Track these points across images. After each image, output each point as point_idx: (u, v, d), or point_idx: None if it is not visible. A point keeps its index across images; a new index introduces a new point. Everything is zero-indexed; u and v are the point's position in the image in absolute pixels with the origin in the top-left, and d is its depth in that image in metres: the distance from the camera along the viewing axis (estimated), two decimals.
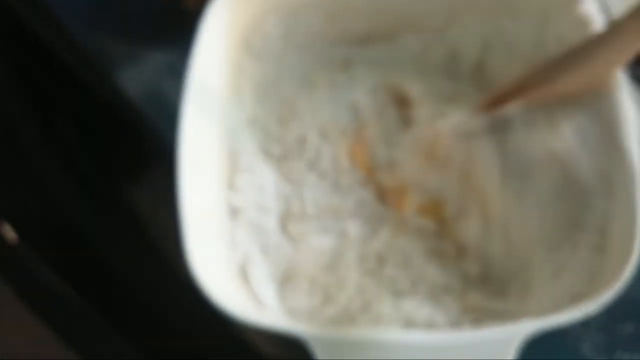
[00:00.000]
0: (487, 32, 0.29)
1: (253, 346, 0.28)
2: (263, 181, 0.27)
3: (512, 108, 0.27)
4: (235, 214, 0.27)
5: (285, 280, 0.25)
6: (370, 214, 0.27)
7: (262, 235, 0.26)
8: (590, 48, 0.25)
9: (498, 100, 0.27)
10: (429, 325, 0.24)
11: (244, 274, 0.25)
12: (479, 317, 0.24)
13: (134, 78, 0.39)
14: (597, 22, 0.27)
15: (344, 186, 0.28)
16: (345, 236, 0.27)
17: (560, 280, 0.24)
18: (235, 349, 0.28)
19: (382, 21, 0.30)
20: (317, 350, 0.21)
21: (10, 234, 0.25)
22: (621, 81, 0.25)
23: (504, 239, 0.26)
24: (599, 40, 0.25)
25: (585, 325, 0.28)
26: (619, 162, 0.24)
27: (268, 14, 0.30)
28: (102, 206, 0.40)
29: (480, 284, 0.26)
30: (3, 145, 0.33)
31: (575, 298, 0.22)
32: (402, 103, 0.30)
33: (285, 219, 0.27)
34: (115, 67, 0.40)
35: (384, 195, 0.28)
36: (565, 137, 0.26)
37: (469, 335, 0.22)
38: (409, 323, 0.24)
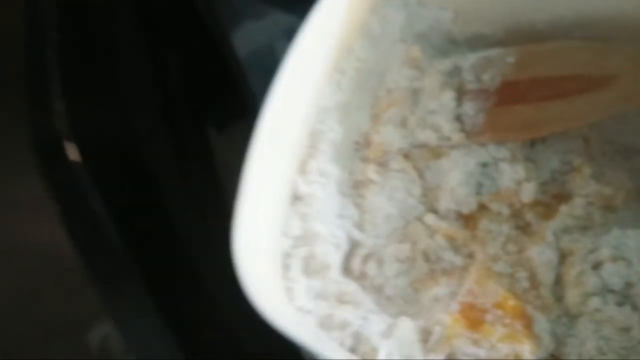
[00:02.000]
0: None
1: None
2: (332, 180, 0.25)
3: None
4: (296, 201, 0.25)
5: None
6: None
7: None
8: None
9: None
10: None
11: (286, 265, 0.24)
12: None
13: (247, 35, 0.39)
14: None
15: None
16: None
17: None
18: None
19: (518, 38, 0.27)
20: None
21: (74, 154, 0.25)
22: None
23: None
24: None
25: None
26: None
27: None
28: (182, 151, 0.40)
29: None
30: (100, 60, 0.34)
31: None
32: None
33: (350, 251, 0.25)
34: (233, 21, 0.39)
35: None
36: None
37: None
38: None
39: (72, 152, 0.26)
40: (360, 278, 0.24)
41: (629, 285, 0.21)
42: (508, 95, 0.25)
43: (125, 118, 0.34)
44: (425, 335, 0.22)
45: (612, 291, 0.21)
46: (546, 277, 0.22)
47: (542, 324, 0.21)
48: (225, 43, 0.40)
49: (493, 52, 0.26)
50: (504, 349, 0.21)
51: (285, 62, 0.24)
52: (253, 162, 0.23)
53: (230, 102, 0.49)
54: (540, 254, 0.22)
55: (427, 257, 0.24)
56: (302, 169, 0.25)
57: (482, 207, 0.25)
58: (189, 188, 0.42)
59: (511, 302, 0.22)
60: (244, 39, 0.39)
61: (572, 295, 0.22)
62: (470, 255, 0.24)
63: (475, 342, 0.21)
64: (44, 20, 0.30)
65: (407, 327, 0.21)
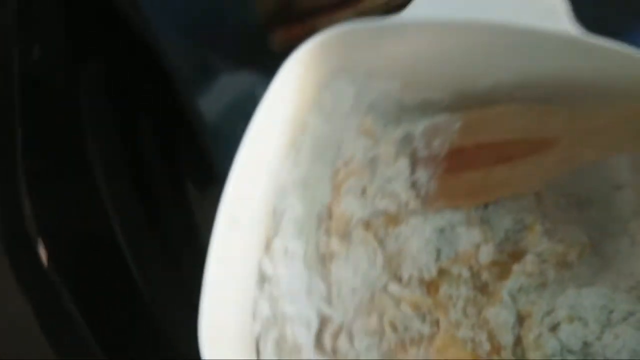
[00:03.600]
0: None
1: None
2: (297, 257, 0.26)
3: None
4: (263, 282, 0.25)
5: None
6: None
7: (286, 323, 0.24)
8: None
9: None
10: None
11: (257, 348, 0.24)
12: None
13: (212, 98, 0.40)
14: None
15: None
16: None
17: None
18: None
19: (463, 101, 0.28)
20: None
21: (44, 253, 0.26)
22: None
23: None
24: None
25: None
26: None
27: (343, 73, 0.28)
28: (159, 217, 0.41)
29: None
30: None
31: None
32: None
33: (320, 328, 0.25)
34: (197, 84, 0.41)
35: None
36: None
37: None
38: None
39: (43, 252, 0.26)
40: (333, 354, 0.25)
41: (586, 344, 0.22)
42: (456, 162, 0.26)
43: (97, 203, 0.35)
44: None
45: (571, 351, 0.22)
46: (505, 339, 0.23)
47: None
48: (190, 107, 0.41)
49: (440, 119, 0.27)
50: None
51: (241, 144, 0.25)
52: (216, 247, 0.23)
53: (204, 168, 0.49)
54: (497, 316, 0.23)
55: (394, 328, 0.25)
56: (267, 249, 0.26)
57: (442, 272, 0.25)
58: (168, 259, 0.42)
59: None
60: (209, 102, 0.40)
61: (532, 358, 0.22)
62: (436, 322, 0.25)
63: None
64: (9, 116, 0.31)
65: None
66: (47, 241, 0.27)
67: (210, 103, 0.41)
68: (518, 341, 0.23)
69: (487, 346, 0.23)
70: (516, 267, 0.24)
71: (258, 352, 0.24)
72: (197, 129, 0.42)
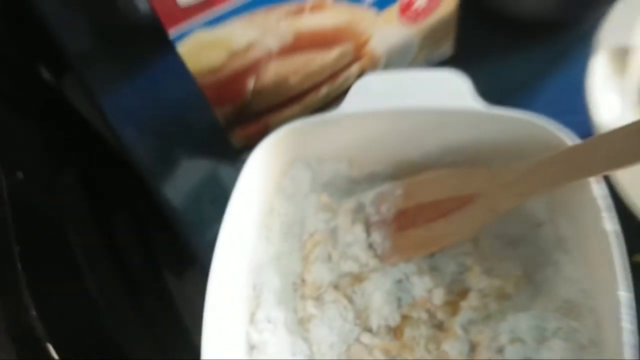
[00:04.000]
0: None
1: None
2: (279, 323, 0.30)
3: None
4: (252, 350, 0.29)
5: None
6: None
7: None
8: None
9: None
10: None
11: None
12: None
13: (179, 186, 0.44)
14: None
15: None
16: None
17: None
18: None
19: (403, 169, 0.33)
20: None
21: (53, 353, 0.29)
22: None
23: None
24: None
25: None
26: None
27: (298, 161, 0.33)
28: (142, 303, 0.44)
29: None
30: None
31: None
32: None
33: None
34: (163, 176, 0.45)
35: None
36: None
37: None
38: None
39: (52, 352, 0.29)
40: None
41: None
42: (403, 222, 0.31)
43: (89, 303, 0.38)
44: None
45: None
46: None
47: None
48: (159, 194, 0.45)
49: (385, 188, 0.32)
50: None
51: (220, 234, 0.29)
52: (209, 326, 0.27)
53: (179, 253, 0.53)
54: (453, 347, 0.27)
55: None
56: (252, 320, 0.30)
57: (405, 318, 0.30)
58: (153, 338, 0.45)
59: None
60: (174, 185, 0.44)
61: None
62: None
63: None
64: (7, 237, 0.34)
65: None
66: (54, 341, 0.30)
67: (177, 192, 0.44)
68: None
69: None
70: (464, 304, 0.29)
71: None
72: (168, 216, 0.45)
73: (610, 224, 0.25)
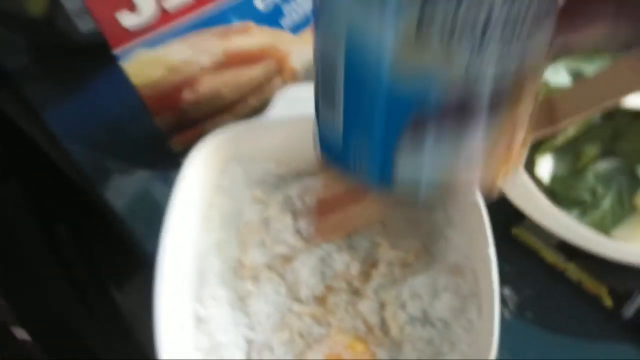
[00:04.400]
0: None
1: None
2: (222, 300, 0.35)
3: None
4: (199, 322, 0.34)
5: None
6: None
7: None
8: None
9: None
10: None
11: None
12: None
13: (120, 193, 0.48)
14: None
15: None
16: None
17: None
18: None
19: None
20: None
21: (21, 333, 0.32)
22: None
23: None
24: None
25: None
26: None
27: (233, 161, 0.39)
28: (95, 310, 0.47)
29: None
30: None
31: None
32: None
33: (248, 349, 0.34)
34: (105, 185, 0.48)
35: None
36: None
37: None
38: None
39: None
40: None
41: (424, 311, 0.33)
42: (323, 209, 0.37)
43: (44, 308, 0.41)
44: None
45: (415, 318, 0.33)
46: (374, 321, 0.33)
47: (381, 354, 0.32)
48: (100, 200, 0.48)
49: (308, 182, 0.38)
50: None
51: (164, 226, 0.34)
52: (161, 305, 0.32)
53: (122, 260, 0.56)
54: (366, 307, 0.34)
55: (302, 335, 0.34)
56: (199, 298, 0.35)
57: (328, 288, 0.36)
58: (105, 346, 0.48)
59: (358, 345, 0.32)
60: (116, 192, 0.47)
61: (393, 329, 0.33)
62: (329, 324, 0.34)
63: None
64: None
65: None
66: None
67: (120, 200, 0.48)
68: (383, 321, 0.33)
69: (363, 329, 0.33)
70: (374, 273, 0.35)
71: None
72: (110, 220, 0.49)
73: (482, 203, 0.33)
